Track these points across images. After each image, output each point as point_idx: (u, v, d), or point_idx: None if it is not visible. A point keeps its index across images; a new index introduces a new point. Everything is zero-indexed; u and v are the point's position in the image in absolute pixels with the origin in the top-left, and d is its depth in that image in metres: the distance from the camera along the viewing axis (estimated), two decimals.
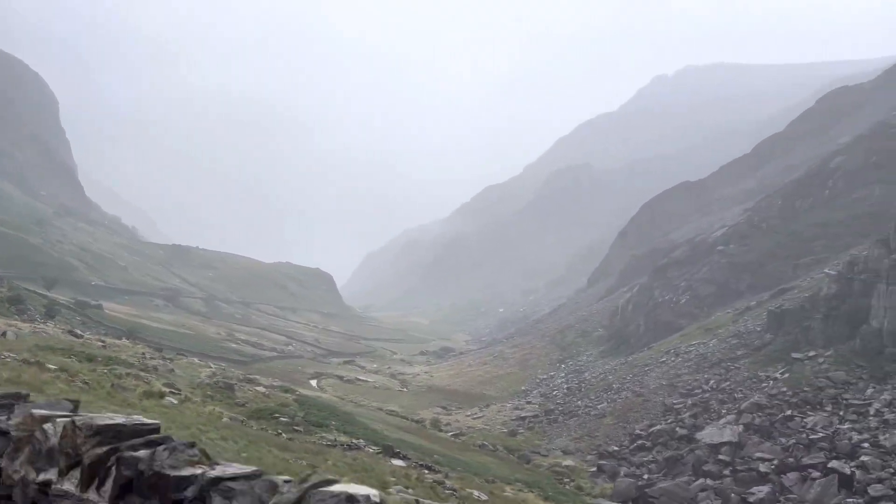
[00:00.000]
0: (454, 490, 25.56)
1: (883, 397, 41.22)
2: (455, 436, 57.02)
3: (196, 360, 57.34)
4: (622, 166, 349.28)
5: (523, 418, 62.89)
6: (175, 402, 24.85)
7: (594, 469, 46.80)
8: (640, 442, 50.03)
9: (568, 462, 49.39)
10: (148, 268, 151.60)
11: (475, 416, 66.00)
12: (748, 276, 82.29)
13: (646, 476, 44.11)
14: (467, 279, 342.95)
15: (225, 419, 26.09)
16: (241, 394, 38.10)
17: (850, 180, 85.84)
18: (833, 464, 34.33)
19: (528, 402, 69.63)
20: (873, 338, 48.89)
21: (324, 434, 32.06)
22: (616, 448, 50.46)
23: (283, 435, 28.41)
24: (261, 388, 43.48)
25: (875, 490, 31.04)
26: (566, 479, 44.45)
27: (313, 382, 77.81)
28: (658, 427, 50.73)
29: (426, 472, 29.14)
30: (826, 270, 60.18)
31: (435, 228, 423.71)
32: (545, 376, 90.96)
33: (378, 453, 31.18)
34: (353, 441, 32.34)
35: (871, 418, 39.36)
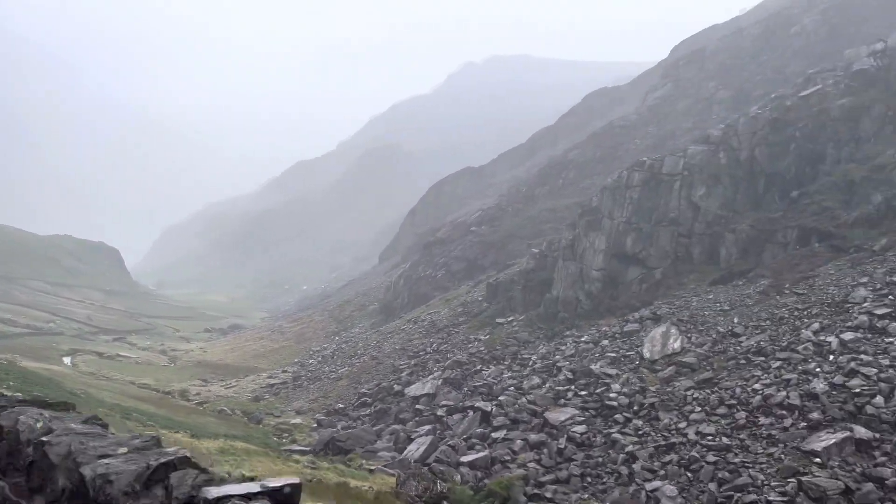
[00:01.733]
0: None
1: (540, 351, 51.28)
2: (199, 404, 60.18)
3: None
4: (430, 148, 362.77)
5: (272, 385, 67.50)
6: None
7: (315, 425, 52.69)
8: (363, 399, 56.76)
9: (296, 420, 54.85)
10: None
11: (228, 387, 69.37)
12: (493, 254, 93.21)
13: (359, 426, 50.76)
14: (274, 255, 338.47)
15: None
16: None
17: (580, 171, 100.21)
18: (480, 403, 42.95)
19: (284, 371, 74.28)
20: (552, 304, 59.67)
21: None
22: (342, 406, 56.81)
23: None
24: None
25: (498, 421, 39.82)
26: (286, 435, 49.76)
27: (66, 359, 76.20)
28: (381, 385, 57.87)
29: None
30: (533, 249, 71.04)
31: (243, 203, 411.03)
32: (318, 348, 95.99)
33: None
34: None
35: (527, 368, 48.99)
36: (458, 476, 32.46)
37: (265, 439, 44.99)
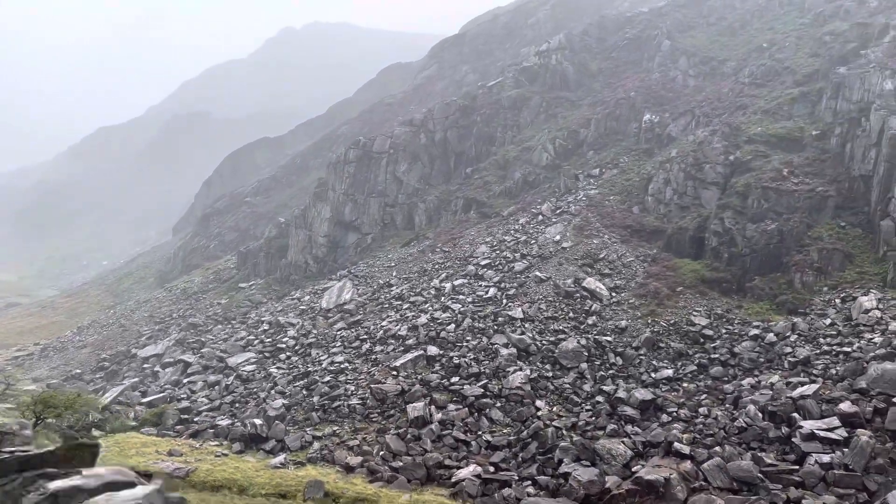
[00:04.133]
0: None
1: (265, 310, 58.30)
2: None
3: None
4: (240, 116, 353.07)
5: (16, 357, 68.75)
6: None
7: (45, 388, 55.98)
8: (102, 364, 60.57)
9: (30, 387, 57.65)
10: None
11: None
12: (264, 224, 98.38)
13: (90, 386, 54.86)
14: (72, 229, 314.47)
15: None
16: None
17: (346, 143, 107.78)
18: (184, 356, 49.24)
19: (35, 344, 75.23)
20: (287, 268, 66.87)
21: None
22: (80, 371, 60.31)
23: None
24: None
25: (193, 369, 46.46)
26: (11, 399, 52.83)
27: None
28: (119, 350, 61.95)
29: None
30: (280, 219, 77.61)
31: (36, 173, 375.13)
32: (90, 322, 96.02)
33: None
34: None
35: (246, 325, 55.76)
36: (133, 412, 38.82)
37: None
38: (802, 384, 29.48)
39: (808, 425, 26.69)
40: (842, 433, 25.70)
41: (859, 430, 25.57)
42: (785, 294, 36.62)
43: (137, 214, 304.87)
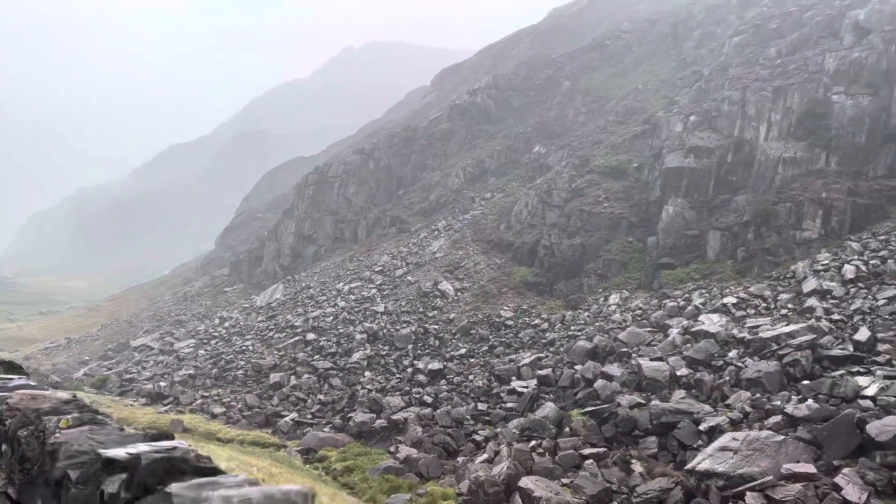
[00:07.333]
0: None
1: (235, 308, 71.28)
2: None
3: None
4: (301, 133, 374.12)
5: (47, 349, 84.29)
6: None
7: None
8: (106, 352, 74.91)
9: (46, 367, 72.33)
10: None
11: (12, 351, 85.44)
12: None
13: None
14: (141, 241, 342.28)
15: None
16: None
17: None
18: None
19: (66, 339, 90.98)
20: (260, 275, 79.91)
21: None
22: (88, 358, 74.76)
23: None
24: None
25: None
26: None
27: None
28: (121, 341, 76.06)
29: None
30: (265, 232, 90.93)
31: (114, 188, 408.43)
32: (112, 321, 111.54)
33: None
34: None
35: (215, 319, 68.78)
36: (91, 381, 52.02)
37: None
38: (539, 358, 39.48)
39: (515, 384, 36.81)
40: (531, 387, 35.65)
41: (544, 386, 35.48)
42: (575, 294, 46.26)
43: (199, 227, 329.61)
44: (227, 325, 59.59)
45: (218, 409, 42.71)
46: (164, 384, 46.51)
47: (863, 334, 28.47)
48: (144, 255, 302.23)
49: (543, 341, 41.86)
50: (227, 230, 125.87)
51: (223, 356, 51.30)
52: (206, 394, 45.69)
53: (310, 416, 40.84)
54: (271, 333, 53.73)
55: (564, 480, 25.57)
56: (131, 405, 43.97)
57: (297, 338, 50.15)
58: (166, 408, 43.15)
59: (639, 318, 39.49)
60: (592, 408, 29.91)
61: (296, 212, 79.62)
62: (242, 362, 48.99)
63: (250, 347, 51.90)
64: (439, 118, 78.65)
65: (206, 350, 54.56)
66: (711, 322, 34.58)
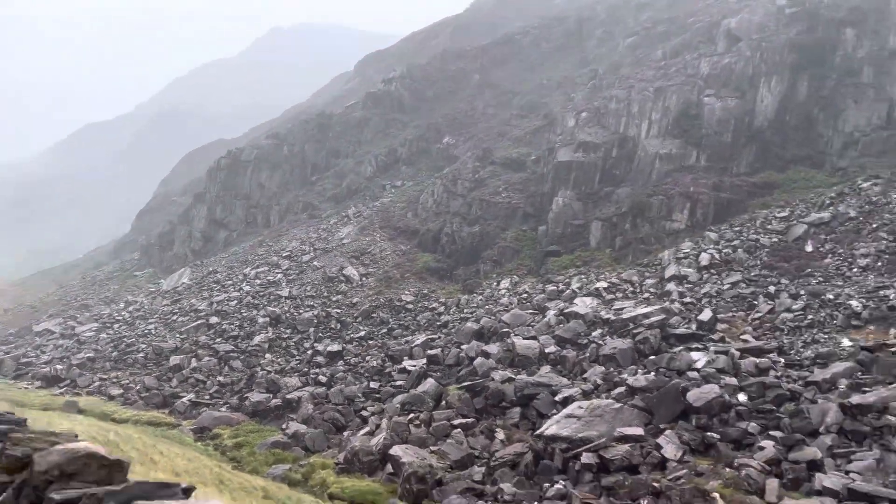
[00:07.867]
0: None
1: (142, 291, 70.46)
2: None
3: None
4: (223, 113, 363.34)
5: None
6: None
7: None
8: (7, 337, 72.65)
9: None
10: None
11: None
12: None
13: None
14: (54, 223, 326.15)
15: None
16: None
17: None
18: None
19: None
20: (171, 259, 78.99)
21: None
22: None
23: None
24: None
25: None
26: None
27: None
28: (24, 326, 73.97)
29: None
30: (175, 217, 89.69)
31: (24, 167, 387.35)
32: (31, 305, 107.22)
33: None
34: None
35: (122, 302, 67.90)
36: None
37: None
38: (432, 339, 41.65)
39: (406, 363, 38.87)
40: (419, 366, 37.75)
41: (432, 365, 37.66)
42: (471, 279, 48.74)
43: (117, 210, 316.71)
44: (131, 308, 59.26)
45: (116, 392, 42.99)
46: (61, 367, 46.29)
47: (706, 315, 31.91)
48: (58, 238, 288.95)
49: (438, 323, 44.09)
50: (143, 213, 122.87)
51: (124, 339, 51.27)
52: (104, 376, 45.78)
53: (207, 397, 41.74)
54: (175, 317, 53.94)
55: (433, 448, 27.81)
56: (25, 388, 43.65)
57: (199, 321, 50.66)
58: (62, 390, 43.09)
59: (524, 302, 42.24)
60: (468, 382, 32.28)
61: (208, 196, 79.13)
62: (144, 346, 49.18)
63: (153, 331, 52.04)
64: (355, 105, 79.63)
65: (107, 334, 54.26)
66: (584, 305, 37.58)
